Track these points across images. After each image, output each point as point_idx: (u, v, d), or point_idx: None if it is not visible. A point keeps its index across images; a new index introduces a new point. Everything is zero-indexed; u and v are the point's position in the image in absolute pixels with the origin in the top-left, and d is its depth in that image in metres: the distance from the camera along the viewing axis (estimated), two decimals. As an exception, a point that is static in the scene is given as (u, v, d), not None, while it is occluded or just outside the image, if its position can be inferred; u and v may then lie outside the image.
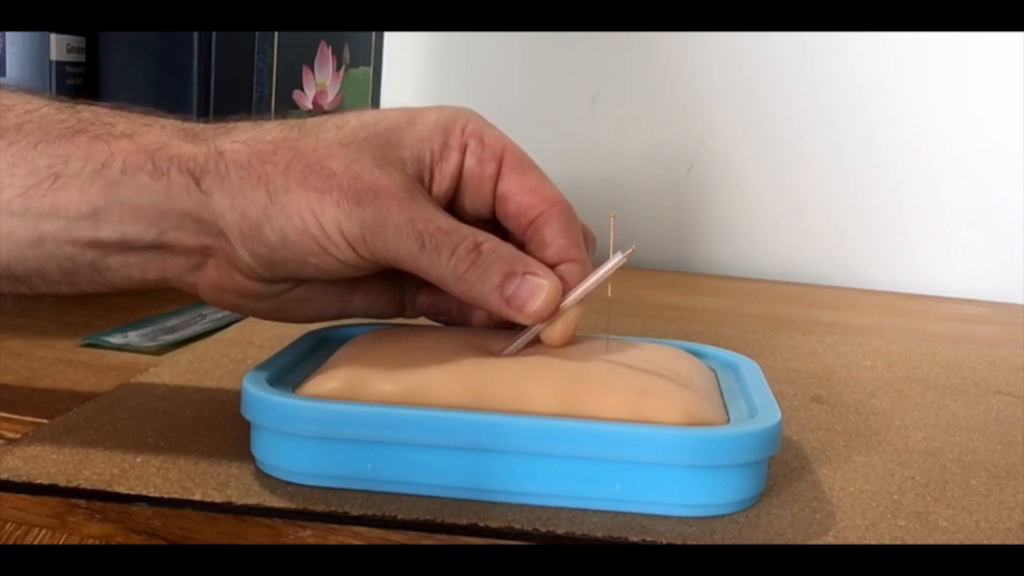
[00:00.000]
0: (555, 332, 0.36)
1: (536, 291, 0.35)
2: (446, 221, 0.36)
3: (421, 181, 0.37)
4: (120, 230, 0.36)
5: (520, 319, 0.36)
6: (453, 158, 0.38)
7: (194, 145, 0.36)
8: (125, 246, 0.37)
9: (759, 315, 0.68)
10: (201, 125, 0.38)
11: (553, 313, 0.36)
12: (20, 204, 0.35)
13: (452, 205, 0.39)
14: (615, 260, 0.36)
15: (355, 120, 0.37)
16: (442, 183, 0.38)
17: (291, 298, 0.39)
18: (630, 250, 0.36)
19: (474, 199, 0.39)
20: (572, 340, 0.37)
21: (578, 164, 0.89)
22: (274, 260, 0.36)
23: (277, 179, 0.35)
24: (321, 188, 0.35)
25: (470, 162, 0.38)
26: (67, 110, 0.38)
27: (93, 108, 0.38)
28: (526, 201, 0.38)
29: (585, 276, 0.37)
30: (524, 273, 0.35)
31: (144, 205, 0.36)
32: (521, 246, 0.38)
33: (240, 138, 0.37)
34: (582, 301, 0.37)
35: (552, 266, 0.37)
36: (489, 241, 0.36)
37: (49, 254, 0.36)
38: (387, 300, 0.41)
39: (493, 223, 0.39)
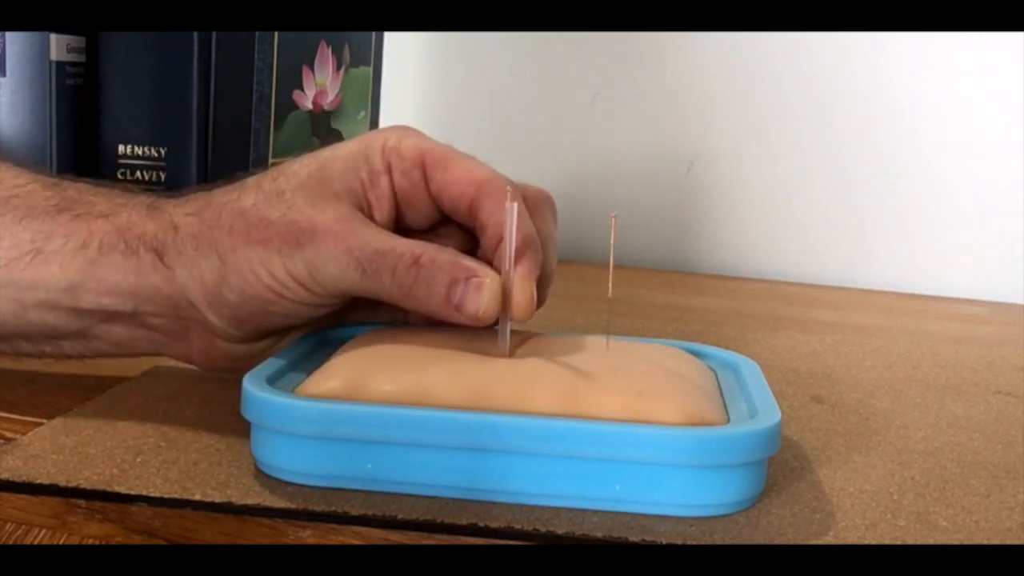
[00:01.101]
0: (518, 309, 0.36)
1: (479, 292, 0.35)
2: (383, 242, 0.36)
3: (361, 210, 0.38)
4: (98, 302, 0.38)
5: (477, 323, 0.36)
6: (382, 181, 0.38)
7: (155, 222, 0.38)
8: (106, 315, 0.38)
9: (759, 315, 0.68)
10: (164, 200, 0.40)
11: (503, 302, 0.36)
12: (2, 275, 0.38)
13: (402, 222, 0.40)
14: (509, 212, 0.35)
15: (288, 168, 0.39)
16: (382, 207, 0.39)
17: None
18: (512, 190, 0.36)
19: (417, 210, 0.39)
20: (532, 303, 0.36)
21: (578, 164, 0.89)
22: (240, 318, 0.38)
23: (224, 241, 0.37)
24: (262, 239, 0.36)
25: (398, 178, 0.39)
26: (53, 187, 0.40)
27: (77, 185, 0.40)
28: (456, 192, 0.38)
29: (528, 245, 0.37)
30: (467, 278, 0.35)
31: (119, 282, 0.38)
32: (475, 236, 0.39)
33: (191, 209, 0.38)
34: (529, 262, 0.36)
35: (497, 245, 0.37)
36: (427, 252, 0.36)
37: (31, 322, 0.38)
38: None
39: (451, 223, 0.40)
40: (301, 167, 0.38)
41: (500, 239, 0.37)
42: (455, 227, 0.40)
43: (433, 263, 0.36)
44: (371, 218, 0.38)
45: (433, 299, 0.36)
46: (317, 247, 0.36)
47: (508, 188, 0.36)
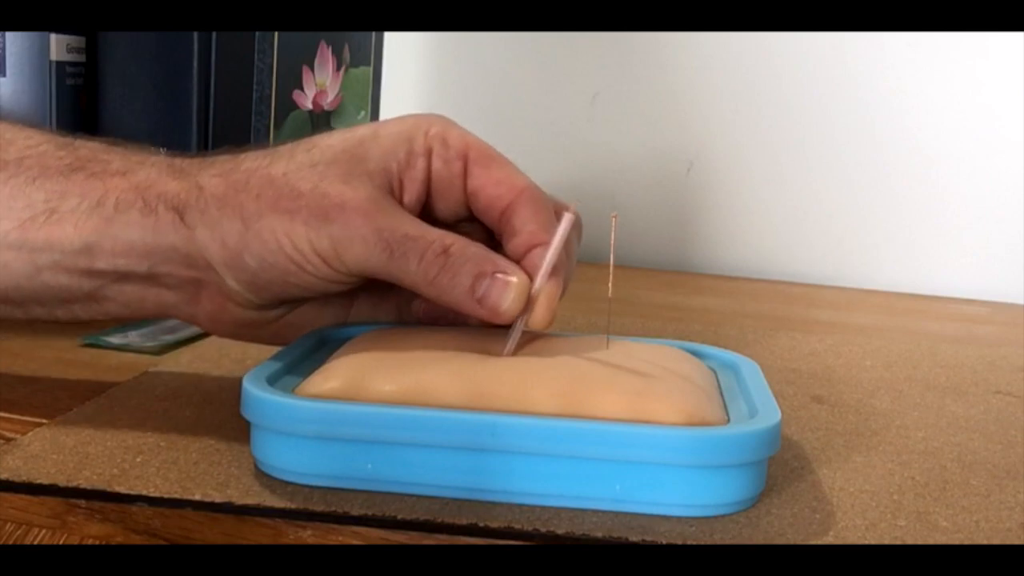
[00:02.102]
0: (538, 316, 0.36)
1: (505, 289, 0.35)
2: (414, 227, 0.36)
3: (391, 192, 0.38)
4: (113, 262, 0.37)
5: (496, 320, 0.36)
6: (420, 164, 0.38)
7: (178, 181, 0.37)
8: (119, 276, 0.38)
9: (759, 315, 0.68)
10: (187, 160, 0.39)
11: (527, 306, 0.36)
12: (16, 237, 0.37)
13: (429, 210, 0.39)
14: (566, 222, 0.36)
15: (323, 141, 0.38)
16: (412, 190, 0.38)
17: (287, 324, 0.40)
18: (574, 205, 0.36)
19: (448, 200, 0.39)
20: (553, 318, 0.37)
21: (578, 164, 0.89)
22: (257, 284, 0.37)
23: (250, 206, 0.36)
24: (290, 209, 0.36)
25: (437, 165, 0.38)
26: (66, 147, 0.39)
27: (90, 144, 0.39)
28: (494, 193, 0.38)
29: (560, 261, 0.37)
30: (494, 273, 0.35)
31: (135, 240, 0.37)
32: (499, 239, 0.39)
33: (217, 171, 0.38)
34: (559, 277, 0.37)
35: (525, 252, 0.37)
36: (457, 243, 0.36)
37: (45, 284, 0.38)
38: (383, 316, 0.42)
39: (474, 221, 0.40)
40: (338, 142, 0.38)
41: (529, 247, 0.37)
42: (478, 226, 0.40)
43: (462, 254, 0.36)
44: (400, 200, 0.38)
45: (456, 289, 0.35)
46: (345, 224, 0.35)
47: (574, 201, 0.36)
